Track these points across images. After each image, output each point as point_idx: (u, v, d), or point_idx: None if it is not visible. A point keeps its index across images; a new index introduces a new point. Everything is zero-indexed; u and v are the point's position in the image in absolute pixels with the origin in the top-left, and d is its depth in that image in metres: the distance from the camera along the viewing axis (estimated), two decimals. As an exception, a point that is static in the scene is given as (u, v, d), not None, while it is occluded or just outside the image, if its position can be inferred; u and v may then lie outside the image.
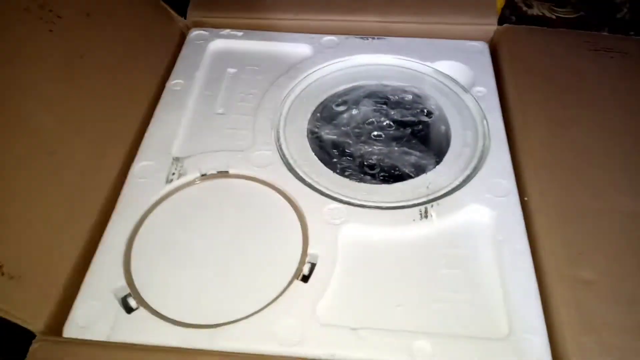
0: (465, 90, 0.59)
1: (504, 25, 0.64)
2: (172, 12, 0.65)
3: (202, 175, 0.51)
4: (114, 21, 0.57)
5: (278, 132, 0.56)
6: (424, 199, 0.49)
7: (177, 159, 0.52)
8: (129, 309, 0.42)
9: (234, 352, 0.39)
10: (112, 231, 0.46)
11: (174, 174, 0.50)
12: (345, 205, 0.48)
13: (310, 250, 0.45)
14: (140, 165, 0.51)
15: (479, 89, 0.58)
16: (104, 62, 0.55)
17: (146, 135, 0.54)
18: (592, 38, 0.62)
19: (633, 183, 0.48)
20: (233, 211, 0.49)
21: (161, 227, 0.47)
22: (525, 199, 0.48)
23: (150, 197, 0.49)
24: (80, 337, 0.40)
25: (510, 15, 0.92)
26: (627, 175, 0.49)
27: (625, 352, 0.38)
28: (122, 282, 0.43)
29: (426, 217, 0.47)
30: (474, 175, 0.50)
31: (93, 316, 0.41)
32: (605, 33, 0.68)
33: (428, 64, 0.62)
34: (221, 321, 0.41)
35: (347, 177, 0.52)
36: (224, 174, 0.51)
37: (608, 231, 0.45)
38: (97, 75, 0.55)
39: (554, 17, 0.98)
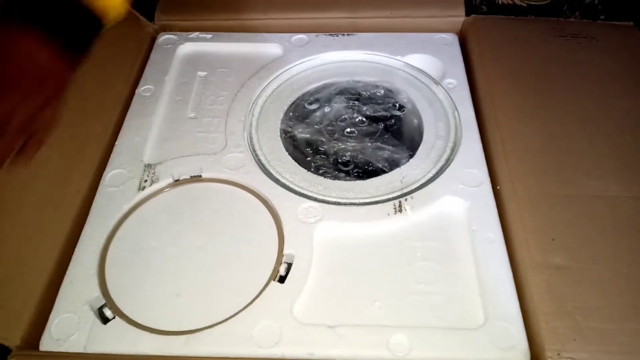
0: (436, 82, 0.59)
1: (472, 15, 0.64)
2: (140, 16, 0.65)
3: (175, 180, 0.51)
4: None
5: (250, 133, 0.55)
6: (398, 193, 0.49)
7: (149, 166, 0.51)
8: (105, 319, 0.42)
9: (211, 357, 0.39)
10: (85, 242, 0.46)
11: (146, 181, 0.50)
12: (320, 204, 0.48)
13: (286, 251, 0.45)
14: (111, 173, 0.51)
15: (450, 81, 0.59)
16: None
17: (117, 143, 0.53)
18: (559, 24, 0.63)
19: (602, 168, 0.49)
20: (207, 215, 0.48)
21: (135, 235, 0.47)
22: (498, 187, 0.49)
23: (123, 205, 0.48)
24: (56, 350, 0.40)
25: (481, 4, 0.92)
26: (596, 160, 0.49)
27: (599, 335, 0.39)
28: (97, 292, 0.43)
29: (400, 211, 0.48)
30: (447, 167, 0.51)
31: (69, 328, 0.41)
32: (573, 19, 0.69)
33: (398, 58, 0.62)
34: (198, 326, 0.41)
35: (321, 175, 0.52)
36: (197, 179, 0.51)
37: (579, 216, 0.45)
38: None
39: (524, 4, 0.98)
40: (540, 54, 0.59)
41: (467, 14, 0.65)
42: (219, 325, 0.41)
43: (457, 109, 0.56)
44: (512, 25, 0.63)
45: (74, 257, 0.45)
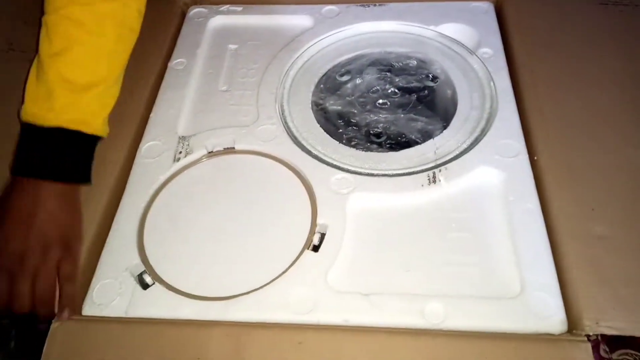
0: (471, 52, 0.58)
1: (509, -18, 0.62)
2: (169, -9, 0.65)
3: (209, 152, 0.51)
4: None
5: (282, 105, 0.55)
6: (432, 164, 0.49)
7: (183, 138, 0.52)
8: (144, 285, 0.43)
9: (249, 322, 0.40)
10: (123, 211, 0.47)
11: (180, 152, 0.51)
12: (352, 175, 0.48)
13: (319, 221, 0.45)
14: (147, 145, 0.51)
15: (485, 50, 0.57)
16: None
17: (151, 115, 0.54)
18: (601, -9, 0.60)
19: (645, 136, 0.47)
20: (241, 186, 0.49)
21: (171, 205, 0.48)
22: (535, 158, 0.48)
23: (159, 176, 0.49)
24: (99, 314, 0.41)
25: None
26: (637, 128, 0.48)
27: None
28: (136, 259, 0.44)
29: (434, 182, 0.47)
30: (482, 138, 0.50)
31: (110, 294, 0.42)
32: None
33: (432, 27, 0.61)
34: (235, 293, 0.42)
35: (353, 147, 0.52)
36: (230, 150, 0.51)
37: (620, 185, 0.44)
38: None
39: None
40: (581, 21, 0.57)
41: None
42: (256, 292, 0.41)
43: (492, 79, 0.54)
44: (552, -8, 0.60)
45: (113, 226, 0.46)
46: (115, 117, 0.52)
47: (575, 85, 0.52)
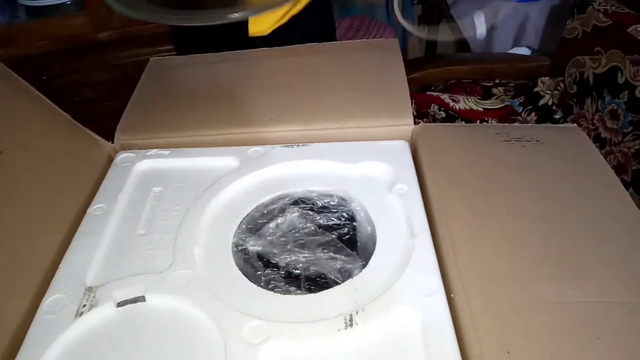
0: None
1: (420, 124, 0.66)
2: (97, 137, 0.66)
3: (118, 304, 0.49)
4: (31, 154, 0.58)
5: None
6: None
7: (89, 289, 0.49)
8: None
9: None
10: (11, 378, 0.43)
11: (84, 305, 0.48)
12: (267, 322, 0.46)
13: (228, 378, 0.42)
14: (50, 299, 0.48)
15: (401, 187, 0.59)
16: (16, 197, 0.55)
17: (60, 266, 0.52)
18: (504, 129, 0.65)
19: (555, 271, 0.48)
20: (148, 342, 0.46)
21: (67, 367, 0.44)
22: (452, 295, 0.47)
23: (58, 334, 0.45)
24: None
25: (439, 109, 0.97)
26: (548, 263, 0.48)
27: None
28: None
29: (351, 325, 0.45)
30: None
31: None
32: (517, 124, 0.72)
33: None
34: None
35: (271, 289, 0.50)
36: (139, 300, 0.49)
37: (535, 325, 0.43)
38: (9, 210, 0.54)
39: (481, 109, 1.04)
40: (488, 157, 0.61)
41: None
42: None
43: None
44: (459, 132, 0.65)
45: (-3, 396, 0.42)
46: (20, 270, 0.50)
47: (485, 219, 0.53)
